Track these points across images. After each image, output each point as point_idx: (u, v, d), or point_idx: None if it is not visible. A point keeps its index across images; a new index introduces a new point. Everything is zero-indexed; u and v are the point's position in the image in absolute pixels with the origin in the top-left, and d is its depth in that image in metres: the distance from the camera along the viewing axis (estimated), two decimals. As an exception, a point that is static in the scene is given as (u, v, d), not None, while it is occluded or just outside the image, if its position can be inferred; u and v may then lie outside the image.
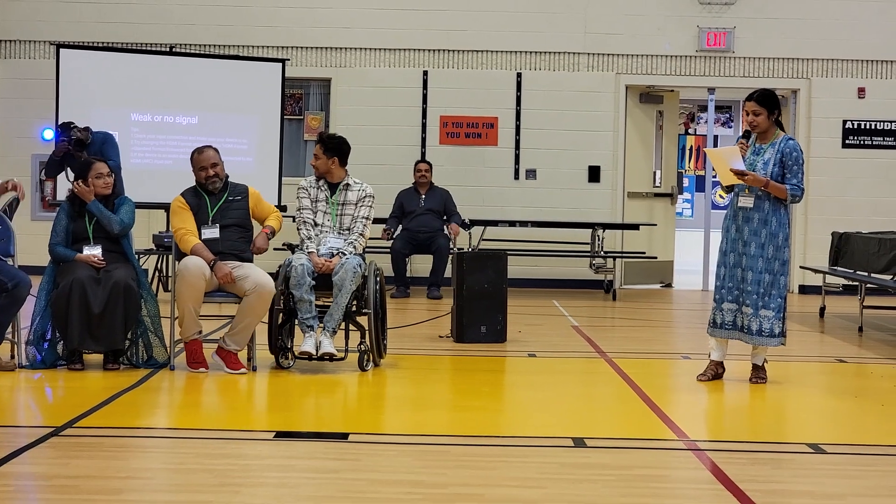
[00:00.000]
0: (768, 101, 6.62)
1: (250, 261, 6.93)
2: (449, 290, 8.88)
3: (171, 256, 7.98)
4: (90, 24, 13.22)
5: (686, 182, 20.00)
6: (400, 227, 12.03)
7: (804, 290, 13.26)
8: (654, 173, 14.09)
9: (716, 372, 6.80)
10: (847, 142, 13.48)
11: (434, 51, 13.45)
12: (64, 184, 9.90)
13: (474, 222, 12.21)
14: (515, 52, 13.44)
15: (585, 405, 6.26)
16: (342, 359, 6.90)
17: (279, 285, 6.83)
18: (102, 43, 12.92)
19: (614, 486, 4.34)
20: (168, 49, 12.57)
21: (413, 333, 8.88)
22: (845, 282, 10.75)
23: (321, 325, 6.80)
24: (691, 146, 19.76)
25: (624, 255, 13.18)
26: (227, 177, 7.06)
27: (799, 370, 7.52)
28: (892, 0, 13.43)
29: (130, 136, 11.55)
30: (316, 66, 13.44)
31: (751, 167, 6.59)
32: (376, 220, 7.66)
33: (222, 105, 11.87)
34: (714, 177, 13.33)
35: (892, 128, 13.47)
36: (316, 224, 7.13)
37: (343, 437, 5.16)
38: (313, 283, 6.79)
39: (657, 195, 14.10)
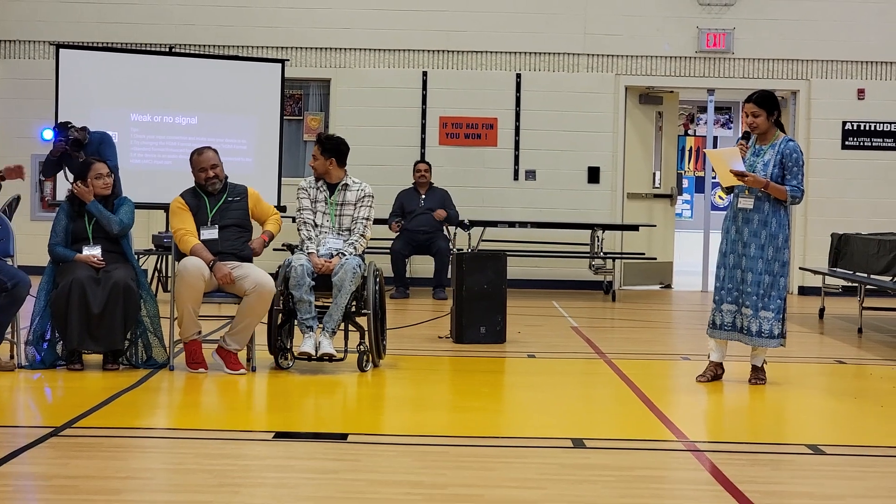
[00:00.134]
0: (767, 103, 6.62)
1: (250, 260, 6.93)
2: (449, 291, 8.88)
3: (170, 257, 7.99)
4: (90, 24, 13.23)
5: (685, 183, 20.01)
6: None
7: (804, 291, 13.27)
8: (654, 174, 14.10)
9: (715, 373, 6.80)
10: (847, 143, 13.49)
11: (433, 51, 13.46)
12: (63, 184, 9.89)
13: (474, 223, 12.21)
14: (515, 52, 13.45)
15: (585, 406, 6.25)
16: (341, 359, 6.90)
17: (279, 286, 6.83)
18: (102, 43, 12.92)
19: (614, 487, 4.34)
20: (168, 49, 12.57)
21: (412, 334, 8.88)
22: (845, 283, 10.76)
23: (320, 325, 6.79)
24: (691, 147, 19.76)
25: (623, 255, 13.19)
26: (227, 178, 7.06)
27: (798, 371, 7.52)
28: (891, 1, 13.44)
29: (130, 136, 11.55)
30: (315, 66, 13.44)
31: (751, 168, 6.59)
32: (377, 221, 7.64)
33: (222, 105, 11.87)
34: (714, 178, 13.34)
35: (892, 129, 13.47)
36: (316, 225, 7.13)
37: (342, 437, 5.16)
38: (313, 283, 6.79)
39: (657, 196, 14.10)
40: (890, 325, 10.22)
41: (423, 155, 13.27)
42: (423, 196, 12.21)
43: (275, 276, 6.89)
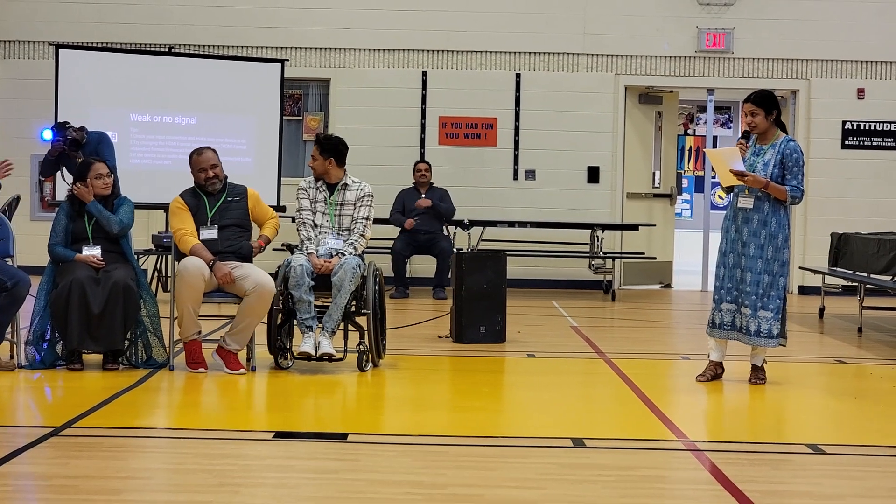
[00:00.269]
0: (766, 102, 6.62)
1: (249, 260, 6.93)
2: (449, 291, 8.88)
3: (170, 257, 7.98)
4: (89, 24, 13.22)
5: (685, 183, 20.02)
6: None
7: (804, 290, 13.26)
8: (654, 174, 14.10)
9: (715, 372, 6.80)
10: (846, 142, 13.48)
11: (433, 51, 13.45)
12: (63, 184, 9.89)
13: (473, 223, 12.20)
14: (514, 52, 13.45)
15: (585, 406, 6.25)
16: (341, 359, 6.90)
17: (278, 286, 6.82)
18: (101, 43, 12.91)
19: (614, 487, 4.34)
20: (167, 49, 12.57)
21: (412, 334, 8.88)
22: (845, 282, 10.76)
23: (320, 325, 6.79)
24: (690, 147, 19.77)
25: (623, 255, 13.18)
26: (227, 178, 7.06)
27: (798, 371, 7.52)
28: (891, 1, 13.44)
29: (129, 136, 11.56)
30: (315, 66, 13.44)
31: (751, 168, 6.58)
32: (377, 221, 7.64)
33: (221, 105, 11.87)
34: (713, 177, 13.34)
35: (892, 128, 13.47)
36: (315, 225, 7.12)
37: (342, 437, 5.16)
38: (312, 283, 6.79)
39: (656, 196, 14.10)
40: (890, 324, 10.22)
41: (422, 155, 13.27)
42: (424, 196, 12.20)
43: (274, 276, 6.89)
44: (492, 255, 8.66)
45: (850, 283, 10.54)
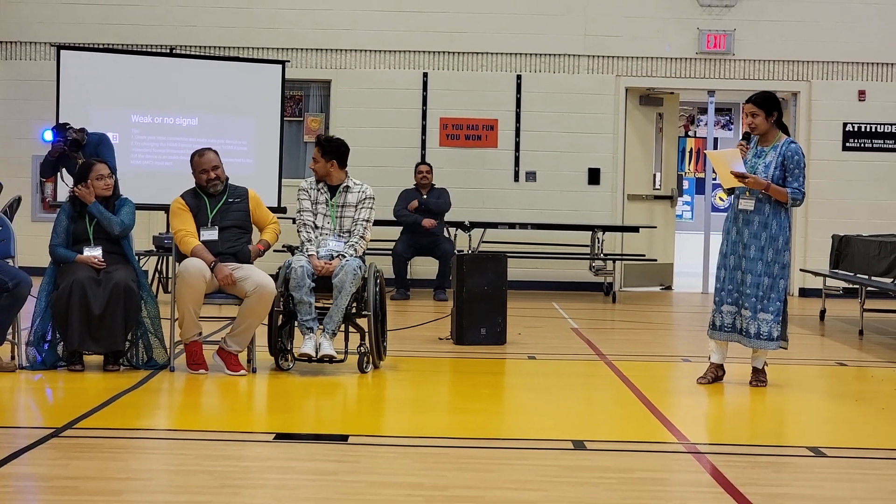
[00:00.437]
0: (766, 103, 6.62)
1: (248, 260, 6.93)
2: (450, 292, 8.88)
3: (171, 258, 7.98)
4: (90, 25, 13.23)
5: (686, 184, 20.02)
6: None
7: (804, 293, 13.26)
8: (654, 175, 14.10)
9: (716, 375, 6.79)
10: (847, 144, 13.48)
11: (434, 53, 13.45)
12: (63, 185, 9.89)
13: (474, 224, 12.21)
14: (515, 54, 13.45)
15: (585, 408, 6.25)
16: (342, 361, 6.90)
17: (279, 287, 6.82)
18: (103, 44, 12.91)
19: (614, 489, 4.34)
20: (168, 51, 12.57)
21: (413, 335, 8.88)
22: (846, 285, 10.76)
23: (321, 326, 6.79)
24: (691, 148, 19.77)
25: (624, 257, 13.18)
26: (228, 179, 7.06)
27: (799, 373, 7.52)
28: (892, 2, 13.44)
29: (131, 137, 11.55)
30: (316, 67, 13.44)
31: (752, 170, 6.58)
32: (378, 222, 7.64)
33: (222, 107, 11.86)
34: (714, 179, 13.34)
35: (893, 130, 13.47)
36: (316, 226, 7.12)
37: (343, 438, 5.16)
38: (313, 284, 6.79)
39: (657, 197, 14.10)
40: (891, 327, 10.21)
41: (423, 156, 13.27)
42: (425, 197, 12.20)
43: (275, 277, 6.89)
44: (492, 257, 8.66)
45: (851, 286, 10.54)
